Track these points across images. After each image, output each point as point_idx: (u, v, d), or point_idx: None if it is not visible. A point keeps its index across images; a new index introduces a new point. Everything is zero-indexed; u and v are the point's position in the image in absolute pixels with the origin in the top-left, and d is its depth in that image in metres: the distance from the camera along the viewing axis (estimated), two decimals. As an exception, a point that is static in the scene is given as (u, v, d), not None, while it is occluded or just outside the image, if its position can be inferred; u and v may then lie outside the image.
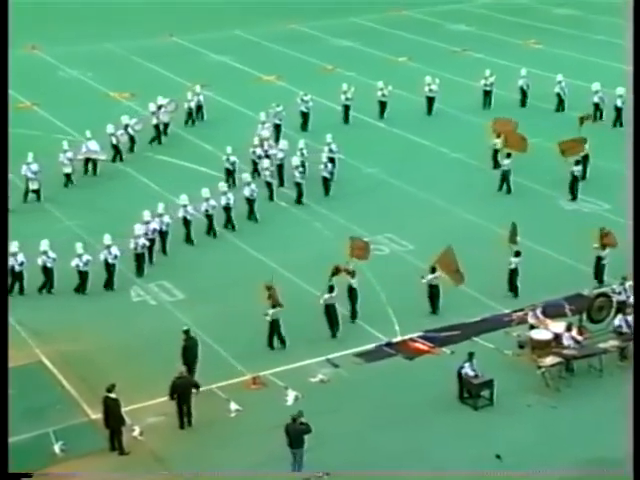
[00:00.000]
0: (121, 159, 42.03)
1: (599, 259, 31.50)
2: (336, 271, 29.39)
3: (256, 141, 40.42)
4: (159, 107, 44.30)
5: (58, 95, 51.19)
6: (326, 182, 38.66)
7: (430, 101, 47.40)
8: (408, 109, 47.38)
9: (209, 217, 35.41)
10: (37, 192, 38.31)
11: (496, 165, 39.79)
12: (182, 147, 43.68)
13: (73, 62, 56.87)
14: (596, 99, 45.31)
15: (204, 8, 67.94)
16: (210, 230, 35.49)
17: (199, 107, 46.71)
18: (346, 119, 46.32)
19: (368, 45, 59.73)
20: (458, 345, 28.25)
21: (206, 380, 26.17)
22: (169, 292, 31.90)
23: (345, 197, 38.49)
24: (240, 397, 26.02)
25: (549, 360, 26.65)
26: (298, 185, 38.03)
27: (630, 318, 27.52)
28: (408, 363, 27.85)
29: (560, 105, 47.10)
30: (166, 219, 34.12)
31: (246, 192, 36.59)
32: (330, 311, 29.01)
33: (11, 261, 31.23)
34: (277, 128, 43.68)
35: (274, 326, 28.42)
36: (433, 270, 29.86)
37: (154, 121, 43.95)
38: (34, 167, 38.31)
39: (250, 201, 36.66)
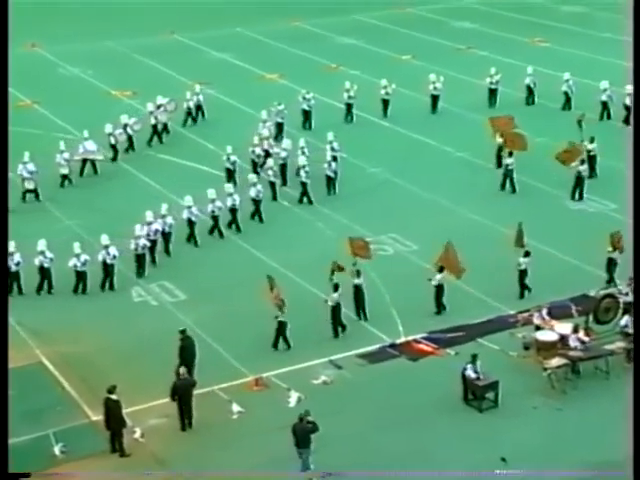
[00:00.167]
0: (115, 159, 41.63)
1: (610, 261, 31.04)
2: (337, 269, 29.11)
3: (256, 140, 40.15)
4: (158, 107, 44.02)
5: (58, 93, 50.95)
6: (330, 181, 38.39)
7: (434, 99, 47.13)
8: (412, 107, 47.09)
9: (215, 218, 35.14)
10: (34, 192, 37.99)
11: (500, 164, 39.53)
12: (183, 146, 43.44)
13: (74, 60, 56.63)
14: (604, 97, 44.91)
15: (206, 5, 67.66)
16: (213, 231, 35.21)
17: (198, 107, 46.39)
18: (349, 117, 46.06)
19: (372, 43, 59.40)
20: (463, 346, 28.04)
21: (208, 381, 26.00)
22: (170, 292, 31.69)
23: (348, 197, 38.21)
24: (242, 398, 25.85)
25: (555, 362, 26.44)
26: (304, 185, 37.73)
27: (636, 318, 27.33)
28: (412, 364, 27.65)
29: (567, 104, 46.70)
30: (169, 220, 33.86)
31: (252, 193, 36.25)
32: (337, 312, 28.78)
33: (7, 261, 31.00)
34: (279, 127, 43.45)
35: (281, 329, 28.19)
36: (441, 270, 29.61)
37: (152, 121, 43.65)
38: (30, 167, 38.00)
39: (256, 202, 36.33)
